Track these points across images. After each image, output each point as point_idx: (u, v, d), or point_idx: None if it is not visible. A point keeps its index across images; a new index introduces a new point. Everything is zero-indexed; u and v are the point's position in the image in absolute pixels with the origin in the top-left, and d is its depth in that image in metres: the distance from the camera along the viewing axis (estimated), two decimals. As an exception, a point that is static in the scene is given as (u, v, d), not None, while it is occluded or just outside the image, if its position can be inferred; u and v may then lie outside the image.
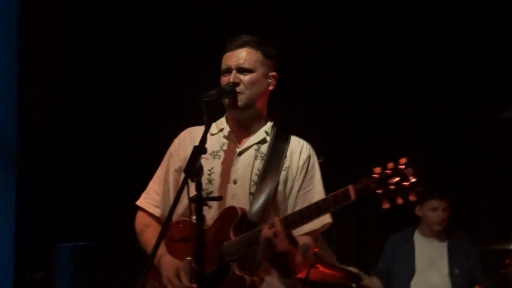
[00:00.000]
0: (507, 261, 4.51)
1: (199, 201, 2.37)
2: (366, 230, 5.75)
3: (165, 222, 2.42)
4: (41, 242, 4.87)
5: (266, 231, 2.52)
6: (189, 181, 2.37)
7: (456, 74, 5.53)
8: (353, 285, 4.99)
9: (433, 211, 4.89)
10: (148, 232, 2.89)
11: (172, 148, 2.96)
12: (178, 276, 2.66)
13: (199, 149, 2.43)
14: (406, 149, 2.51)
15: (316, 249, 4.32)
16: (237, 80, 2.76)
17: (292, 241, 2.60)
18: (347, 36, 5.57)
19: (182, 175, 2.79)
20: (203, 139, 2.47)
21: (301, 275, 4.21)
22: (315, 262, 4.43)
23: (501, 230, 5.13)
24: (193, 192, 2.39)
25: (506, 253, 4.64)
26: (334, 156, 5.36)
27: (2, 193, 3.62)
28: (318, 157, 2.92)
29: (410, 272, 4.90)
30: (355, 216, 5.71)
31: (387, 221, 5.64)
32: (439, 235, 4.97)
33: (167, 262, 2.70)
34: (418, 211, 4.97)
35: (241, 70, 2.78)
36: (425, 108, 5.56)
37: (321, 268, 4.58)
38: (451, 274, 4.80)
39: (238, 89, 2.76)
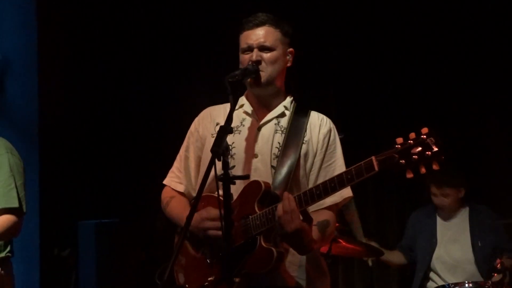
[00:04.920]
0: None
1: (227, 179, 2.39)
2: (384, 207, 5.74)
3: (196, 199, 2.43)
4: (65, 219, 4.93)
5: (280, 209, 2.55)
6: (216, 160, 2.39)
7: (473, 55, 5.48)
8: (369, 260, 5.01)
9: (434, 196, 4.93)
10: (173, 202, 2.95)
11: (192, 127, 3.00)
12: (207, 217, 2.69)
13: (225, 129, 2.45)
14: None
15: (337, 224, 4.36)
16: (259, 58, 2.78)
17: (307, 218, 2.62)
18: (366, 7, 5.54)
19: (206, 153, 2.85)
20: (229, 119, 2.49)
21: (323, 249, 4.24)
22: (337, 237, 4.46)
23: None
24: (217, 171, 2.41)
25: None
26: (354, 132, 5.36)
27: (26, 173, 3.66)
28: (339, 133, 2.92)
29: (432, 246, 4.91)
30: (374, 193, 5.70)
31: (406, 198, 5.64)
32: (461, 210, 4.98)
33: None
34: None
35: (263, 48, 2.80)
36: (441, 86, 5.51)
37: (343, 243, 4.60)
38: (474, 247, 4.81)
39: (260, 67, 2.78)
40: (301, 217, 2.57)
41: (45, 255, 4.92)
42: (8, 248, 3.56)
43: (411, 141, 2.38)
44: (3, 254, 3.53)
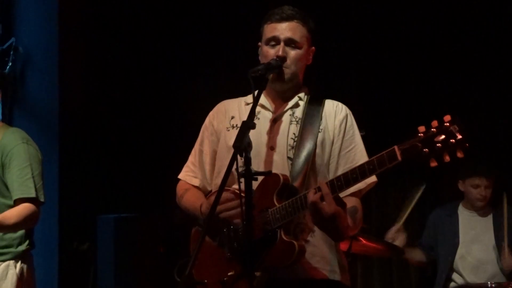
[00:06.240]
0: None
1: (248, 175, 2.36)
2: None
3: (217, 195, 2.40)
4: (85, 213, 4.93)
5: (312, 195, 2.50)
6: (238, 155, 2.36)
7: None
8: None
9: (475, 188, 4.84)
10: (187, 194, 2.92)
11: (207, 121, 2.98)
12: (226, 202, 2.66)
13: (248, 124, 2.41)
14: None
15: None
16: (285, 55, 2.75)
17: (340, 203, 2.57)
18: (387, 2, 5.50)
19: (221, 147, 2.84)
20: (252, 114, 2.46)
21: (343, 247, 4.19)
22: (357, 235, 4.42)
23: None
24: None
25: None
26: (375, 128, 5.30)
27: (45, 166, 3.66)
28: (360, 130, 2.87)
29: (454, 245, 4.85)
30: (394, 191, 5.64)
31: (426, 195, 5.57)
32: (484, 209, 4.90)
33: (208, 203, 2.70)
34: (461, 186, 4.92)
35: (289, 43, 2.77)
36: (469, 79, 5.45)
37: (363, 241, 4.55)
38: (498, 247, 4.73)
39: (284, 64, 2.74)
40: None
41: (64, 249, 4.93)
42: (28, 241, 3.55)
43: (434, 129, 2.32)
44: (23, 247, 3.52)
